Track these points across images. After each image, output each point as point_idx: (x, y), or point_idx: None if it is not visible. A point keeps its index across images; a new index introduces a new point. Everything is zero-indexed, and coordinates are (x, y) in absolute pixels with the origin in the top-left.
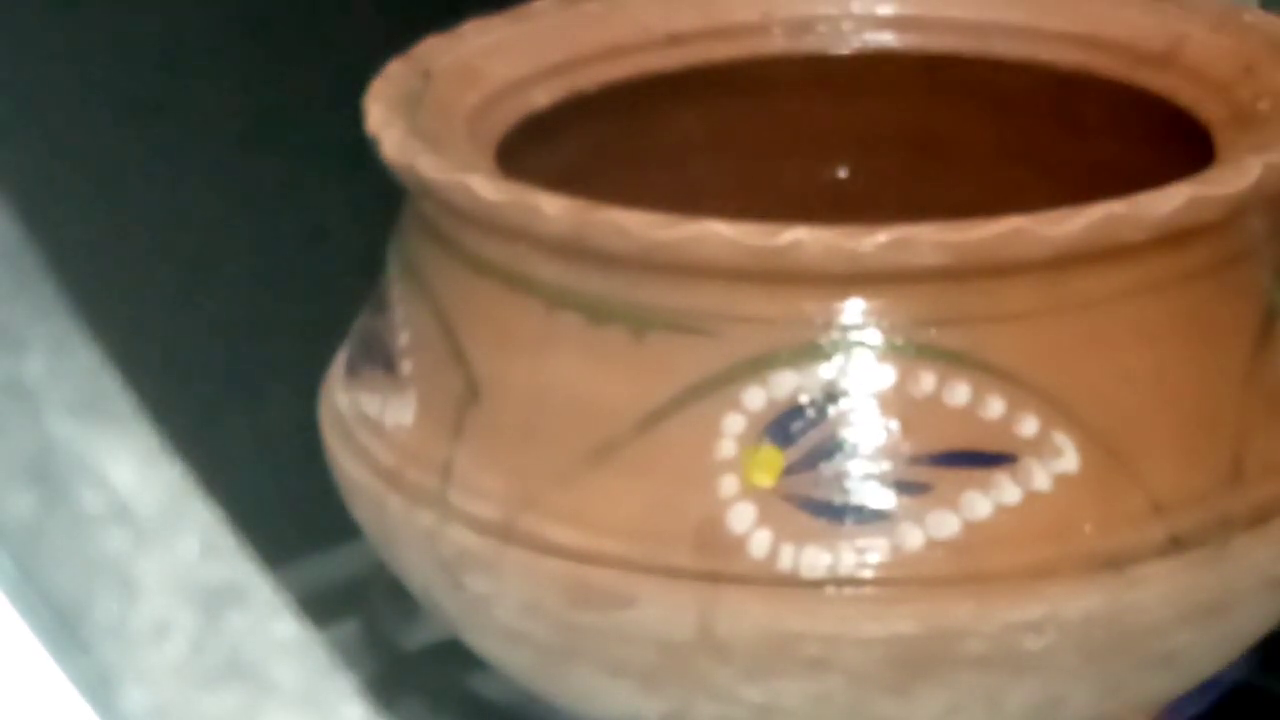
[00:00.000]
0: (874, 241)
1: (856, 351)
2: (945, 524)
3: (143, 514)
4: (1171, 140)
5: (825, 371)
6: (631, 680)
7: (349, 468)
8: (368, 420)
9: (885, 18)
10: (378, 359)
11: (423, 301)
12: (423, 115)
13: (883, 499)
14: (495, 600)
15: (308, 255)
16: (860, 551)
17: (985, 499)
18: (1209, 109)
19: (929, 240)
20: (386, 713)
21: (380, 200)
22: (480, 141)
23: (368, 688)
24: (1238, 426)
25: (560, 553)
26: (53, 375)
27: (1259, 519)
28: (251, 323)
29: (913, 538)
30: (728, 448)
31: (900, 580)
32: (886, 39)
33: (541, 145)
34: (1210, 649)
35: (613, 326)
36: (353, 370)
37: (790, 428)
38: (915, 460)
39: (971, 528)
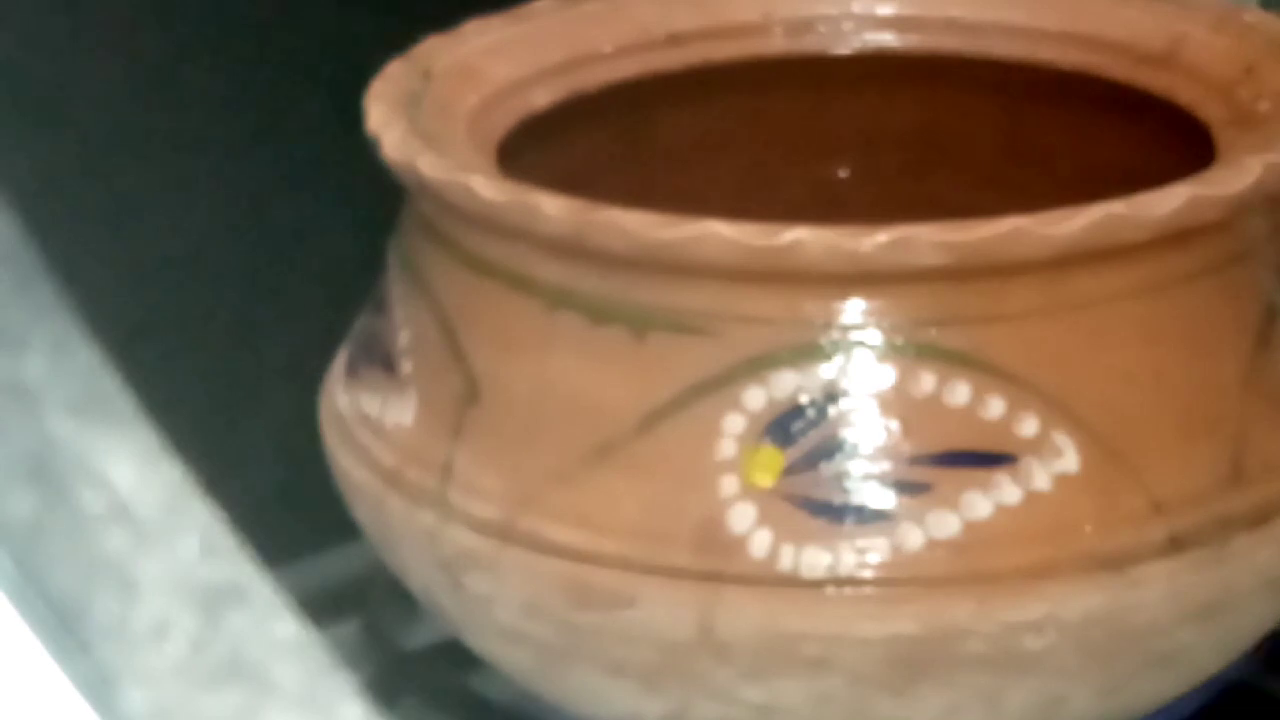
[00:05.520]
0: (874, 241)
1: (856, 351)
2: (945, 524)
3: (143, 514)
4: (1171, 140)
5: (825, 371)
6: (631, 680)
7: (349, 468)
8: (368, 420)
9: (885, 18)
10: (378, 359)
11: (423, 301)
12: (423, 115)
13: (883, 499)
14: (495, 600)
15: (308, 255)
16: (860, 551)
17: (985, 499)
18: (1209, 109)
19: (929, 240)
20: (386, 713)
21: (380, 200)
22: (480, 141)
23: (368, 688)
24: (1238, 426)
25: (560, 553)
26: (53, 375)
27: (1259, 519)
28: (252, 323)
29: (913, 538)
30: (728, 448)
31: (900, 580)
32: (886, 39)
33: (541, 145)
34: (1210, 649)
35: (613, 326)
36: (353, 370)
37: (790, 428)
38: (915, 460)
39: (971, 528)
